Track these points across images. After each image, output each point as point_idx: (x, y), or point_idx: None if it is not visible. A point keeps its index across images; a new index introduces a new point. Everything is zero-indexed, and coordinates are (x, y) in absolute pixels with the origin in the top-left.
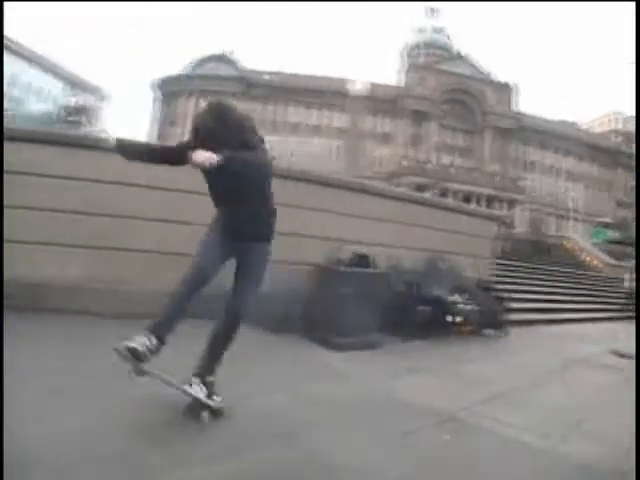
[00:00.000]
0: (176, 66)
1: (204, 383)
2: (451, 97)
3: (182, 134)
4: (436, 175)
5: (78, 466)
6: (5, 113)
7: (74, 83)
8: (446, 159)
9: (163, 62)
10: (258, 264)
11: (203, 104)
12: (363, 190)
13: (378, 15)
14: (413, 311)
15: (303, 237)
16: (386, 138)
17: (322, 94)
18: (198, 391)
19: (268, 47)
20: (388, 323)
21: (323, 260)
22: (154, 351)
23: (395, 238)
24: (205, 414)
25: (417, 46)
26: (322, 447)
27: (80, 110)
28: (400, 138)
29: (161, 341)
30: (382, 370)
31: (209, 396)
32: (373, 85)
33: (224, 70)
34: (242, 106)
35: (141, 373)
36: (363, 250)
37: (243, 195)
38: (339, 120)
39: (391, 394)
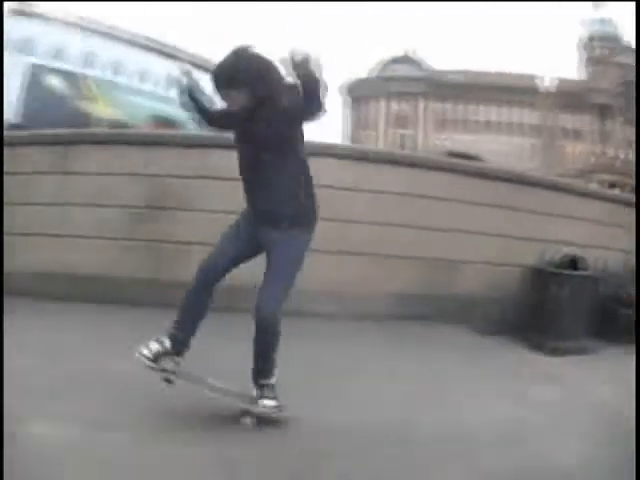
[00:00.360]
0: (363, 68)
1: (258, 386)
2: (628, 90)
3: (376, 137)
4: (625, 171)
5: None
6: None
7: None
8: (632, 155)
9: (350, 64)
10: (283, 258)
11: (394, 107)
12: (562, 188)
13: (551, 9)
14: (618, 315)
15: (508, 237)
16: (574, 134)
17: (511, 91)
18: (239, 398)
19: (453, 46)
20: (594, 327)
21: (533, 261)
22: (167, 354)
23: (593, 238)
24: (247, 420)
25: (591, 39)
26: (544, 450)
27: None
28: (586, 134)
29: (179, 343)
30: (595, 375)
31: (256, 400)
32: (560, 80)
33: (410, 71)
34: (431, 106)
35: (168, 381)
36: (575, 252)
37: (266, 160)
38: (529, 117)
39: (606, 399)
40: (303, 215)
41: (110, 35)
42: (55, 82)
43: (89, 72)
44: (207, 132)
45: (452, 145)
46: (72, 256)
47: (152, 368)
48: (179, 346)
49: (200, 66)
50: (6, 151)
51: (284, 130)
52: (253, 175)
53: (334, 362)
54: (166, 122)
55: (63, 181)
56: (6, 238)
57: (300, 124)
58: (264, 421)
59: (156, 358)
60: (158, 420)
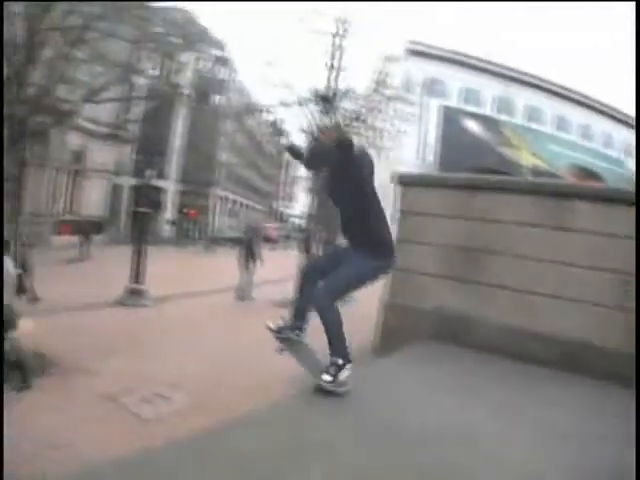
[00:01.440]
0: None
1: (331, 363)
2: None
3: None
4: None
5: None
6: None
7: None
8: None
9: None
10: (348, 266)
11: None
12: None
13: None
14: None
15: None
16: None
17: None
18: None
19: None
20: None
21: None
22: (285, 329)
23: None
24: (321, 382)
25: None
26: None
27: None
28: None
29: (296, 322)
30: None
31: (321, 374)
32: None
33: None
34: None
35: (279, 351)
36: None
37: (344, 198)
38: None
39: None
40: (367, 243)
41: (521, 81)
42: (472, 126)
43: (505, 118)
44: None
45: None
46: (550, 317)
47: (275, 336)
48: (296, 324)
49: (616, 118)
50: (486, 196)
51: (356, 178)
52: (339, 206)
53: None
54: (585, 172)
55: (554, 236)
56: (476, 287)
57: (362, 175)
58: (322, 389)
59: (279, 330)
60: None
